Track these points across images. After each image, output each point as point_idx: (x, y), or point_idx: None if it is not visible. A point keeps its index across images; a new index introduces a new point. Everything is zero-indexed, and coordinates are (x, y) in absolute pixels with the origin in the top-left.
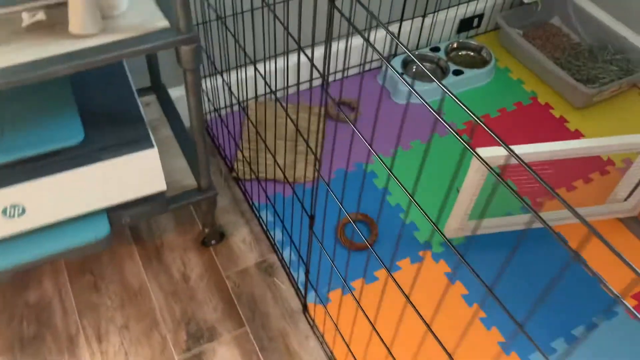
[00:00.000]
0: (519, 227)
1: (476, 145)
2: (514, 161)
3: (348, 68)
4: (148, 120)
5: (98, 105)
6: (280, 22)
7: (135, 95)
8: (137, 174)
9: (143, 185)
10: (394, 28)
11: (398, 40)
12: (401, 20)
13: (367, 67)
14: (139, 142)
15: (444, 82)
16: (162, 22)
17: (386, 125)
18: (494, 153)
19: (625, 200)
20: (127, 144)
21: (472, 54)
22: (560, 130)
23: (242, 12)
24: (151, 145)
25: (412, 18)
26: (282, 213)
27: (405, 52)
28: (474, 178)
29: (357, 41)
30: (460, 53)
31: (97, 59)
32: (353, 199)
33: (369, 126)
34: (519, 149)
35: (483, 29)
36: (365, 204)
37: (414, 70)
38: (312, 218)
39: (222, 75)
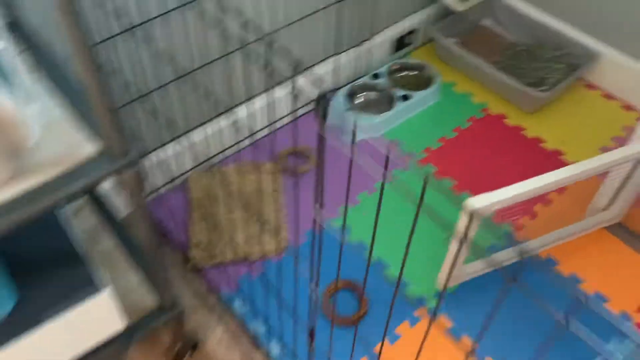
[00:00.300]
0: (512, 260)
1: (445, 174)
2: (502, 198)
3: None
4: (85, 230)
5: (24, 249)
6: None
7: (66, 224)
8: (89, 323)
9: (98, 331)
10: (330, 63)
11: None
12: (337, 53)
13: (309, 108)
14: (84, 287)
15: (393, 110)
16: (89, 147)
17: (345, 169)
18: (484, 202)
19: (606, 209)
20: (72, 294)
21: (414, 73)
22: (519, 140)
23: (181, 75)
24: (99, 288)
25: (347, 49)
26: (255, 298)
27: (349, 84)
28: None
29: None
30: (402, 75)
31: (15, 219)
32: (330, 263)
33: (329, 173)
34: (509, 191)
35: (418, 44)
36: (345, 266)
37: (361, 101)
38: (312, 333)
39: (154, 155)
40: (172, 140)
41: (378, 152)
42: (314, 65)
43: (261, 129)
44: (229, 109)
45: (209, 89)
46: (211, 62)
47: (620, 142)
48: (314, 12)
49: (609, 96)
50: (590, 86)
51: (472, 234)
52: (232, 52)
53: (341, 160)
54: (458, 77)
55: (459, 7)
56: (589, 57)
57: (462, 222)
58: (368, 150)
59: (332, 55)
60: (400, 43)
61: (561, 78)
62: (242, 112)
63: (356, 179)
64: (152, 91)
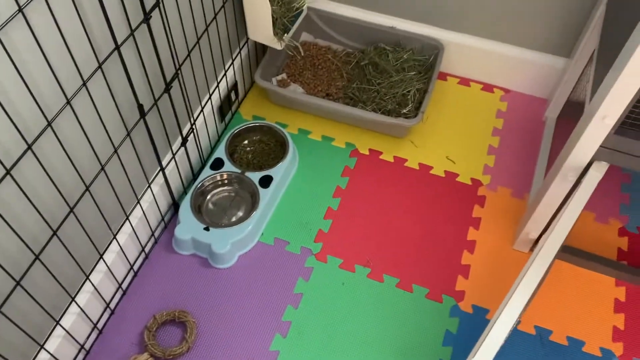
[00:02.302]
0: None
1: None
2: None
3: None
4: None
5: None
6: None
7: None
8: None
9: None
10: (156, 183)
11: None
12: (162, 169)
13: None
14: None
15: (259, 206)
16: None
17: (239, 308)
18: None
19: (538, 240)
20: None
21: (257, 138)
22: (408, 178)
23: None
24: None
25: (174, 156)
26: None
27: (188, 191)
28: None
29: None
30: (246, 147)
31: None
32: None
33: (220, 329)
34: (499, 333)
35: (242, 96)
36: None
37: (212, 208)
38: None
39: None
40: None
41: (263, 270)
42: (131, 211)
43: (102, 314)
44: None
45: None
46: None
47: (502, 134)
48: (114, 152)
49: (464, 81)
50: (442, 75)
51: None
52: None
53: (228, 297)
54: (306, 120)
55: (280, 46)
56: (435, 49)
57: None
58: (251, 270)
59: (157, 173)
60: (227, 104)
61: (423, 87)
62: (67, 320)
63: (254, 321)
64: None
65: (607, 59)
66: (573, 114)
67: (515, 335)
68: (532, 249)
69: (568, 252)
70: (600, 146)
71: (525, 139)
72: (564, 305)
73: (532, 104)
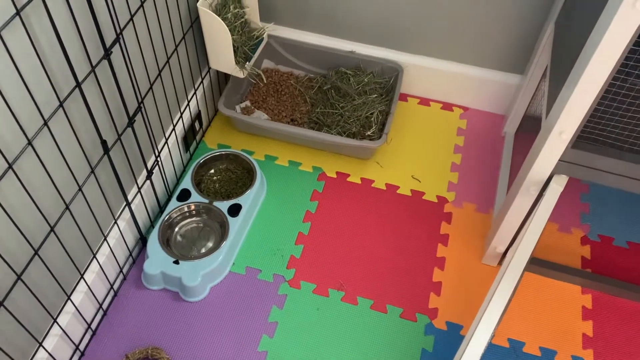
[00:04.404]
0: None
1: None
2: None
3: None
4: None
5: None
6: None
7: None
8: None
9: None
10: (122, 218)
11: None
12: (128, 204)
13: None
14: None
15: (228, 236)
16: None
17: (209, 343)
18: None
19: (505, 254)
20: None
21: (224, 167)
22: (376, 198)
23: None
24: None
25: (139, 190)
26: None
27: (156, 223)
28: None
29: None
30: (212, 176)
31: None
32: None
33: None
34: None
35: (206, 124)
36: None
37: (181, 240)
38: None
39: None
40: None
41: (236, 300)
42: (98, 249)
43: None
44: None
45: None
46: None
47: (464, 151)
48: (79, 190)
49: (424, 101)
50: (403, 96)
51: None
52: None
53: (204, 330)
54: (272, 146)
55: (242, 74)
56: (394, 71)
57: None
58: (223, 301)
59: (123, 209)
60: (191, 134)
61: (386, 109)
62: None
63: (229, 354)
64: None
65: (559, 75)
66: (530, 128)
67: (490, 349)
68: (500, 263)
69: (535, 263)
70: (559, 160)
71: (486, 154)
72: (534, 316)
73: (491, 120)
